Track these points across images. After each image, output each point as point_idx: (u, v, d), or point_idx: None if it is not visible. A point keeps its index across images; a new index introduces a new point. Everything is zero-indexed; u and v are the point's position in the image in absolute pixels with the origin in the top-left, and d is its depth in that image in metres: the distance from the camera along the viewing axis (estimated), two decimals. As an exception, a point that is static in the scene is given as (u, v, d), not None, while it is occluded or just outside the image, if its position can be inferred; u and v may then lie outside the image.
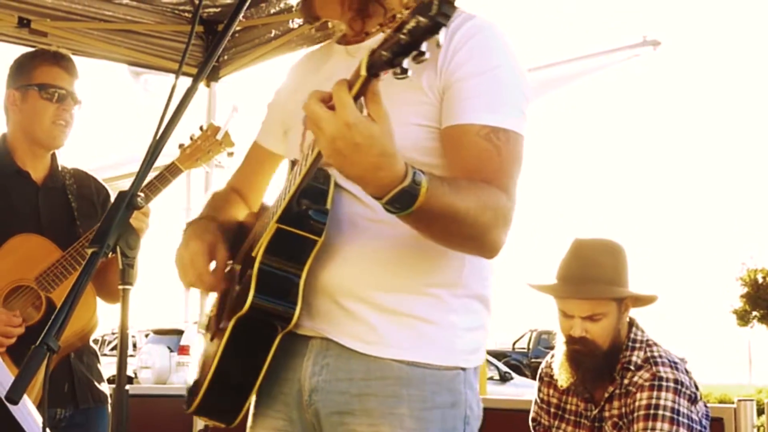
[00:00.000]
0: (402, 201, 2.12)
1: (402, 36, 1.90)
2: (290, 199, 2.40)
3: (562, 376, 4.07)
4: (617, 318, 3.99)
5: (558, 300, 4.08)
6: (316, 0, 2.66)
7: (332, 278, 2.47)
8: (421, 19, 1.88)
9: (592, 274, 4.03)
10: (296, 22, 5.69)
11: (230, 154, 4.08)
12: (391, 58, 1.93)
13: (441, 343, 2.47)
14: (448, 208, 2.20)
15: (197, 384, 2.58)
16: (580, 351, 3.99)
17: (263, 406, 2.62)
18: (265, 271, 2.42)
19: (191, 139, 3.97)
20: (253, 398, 2.55)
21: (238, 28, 5.83)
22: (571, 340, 4.02)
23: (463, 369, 2.51)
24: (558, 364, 4.10)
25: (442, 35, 2.01)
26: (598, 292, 3.99)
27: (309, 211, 2.42)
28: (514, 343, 35.32)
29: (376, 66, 1.97)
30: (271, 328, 2.45)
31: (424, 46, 1.91)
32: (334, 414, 2.47)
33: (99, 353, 4.21)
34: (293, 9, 5.58)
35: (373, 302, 2.45)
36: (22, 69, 4.02)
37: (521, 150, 2.46)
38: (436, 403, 2.45)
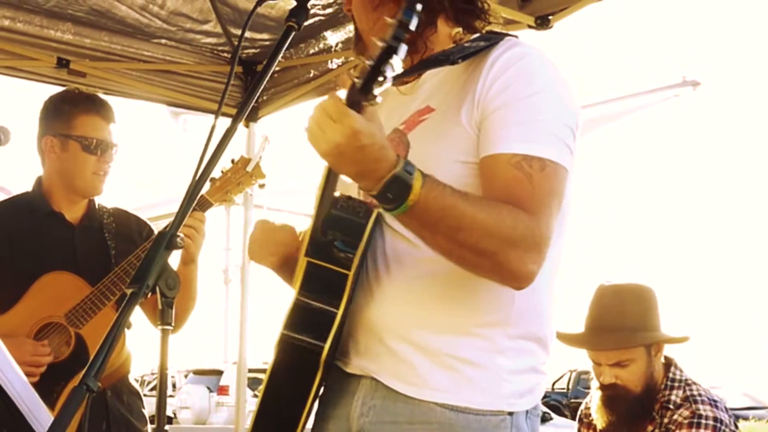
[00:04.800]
0: (394, 189, 2.08)
1: (367, 62, 1.96)
2: (313, 232, 2.40)
3: (600, 420, 4.03)
4: (647, 361, 3.95)
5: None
6: (369, 43, 2.59)
7: (377, 316, 2.42)
8: (379, 43, 1.94)
9: (614, 323, 3.99)
10: (335, 62, 5.70)
11: (261, 186, 4.06)
12: (362, 84, 1.98)
13: (485, 387, 2.37)
14: (451, 211, 2.12)
15: None
16: (612, 396, 3.97)
17: None
18: (299, 305, 2.40)
19: (222, 172, 3.96)
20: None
21: (276, 69, 5.83)
22: (602, 387, 4.00)
23: (510, 413, 2.39)
24: (595, 408, 4.06)
25: (493, 61, 2.18)
26: (619, 342, 3.95)
27: (336, 242, 2.38)
28: (553, 384, 35.02)
29: (353, 95, 2.02)
30: (310, 363, 2.38)
31: (387, 72, 1.95)
32: None
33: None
34: (332, 49, 5.59)
35: (417, 342, 2.38)
36: (60, 116, 3.98)
37: (560, 182, 2.30)
38: None
